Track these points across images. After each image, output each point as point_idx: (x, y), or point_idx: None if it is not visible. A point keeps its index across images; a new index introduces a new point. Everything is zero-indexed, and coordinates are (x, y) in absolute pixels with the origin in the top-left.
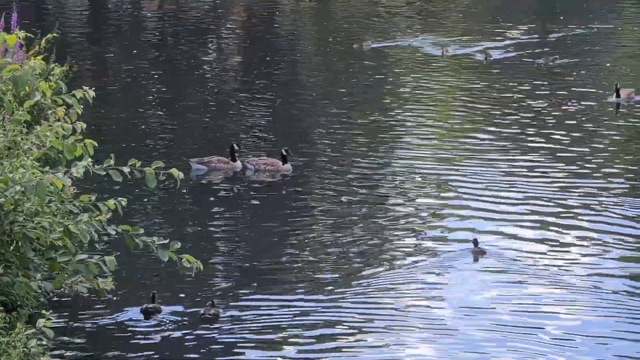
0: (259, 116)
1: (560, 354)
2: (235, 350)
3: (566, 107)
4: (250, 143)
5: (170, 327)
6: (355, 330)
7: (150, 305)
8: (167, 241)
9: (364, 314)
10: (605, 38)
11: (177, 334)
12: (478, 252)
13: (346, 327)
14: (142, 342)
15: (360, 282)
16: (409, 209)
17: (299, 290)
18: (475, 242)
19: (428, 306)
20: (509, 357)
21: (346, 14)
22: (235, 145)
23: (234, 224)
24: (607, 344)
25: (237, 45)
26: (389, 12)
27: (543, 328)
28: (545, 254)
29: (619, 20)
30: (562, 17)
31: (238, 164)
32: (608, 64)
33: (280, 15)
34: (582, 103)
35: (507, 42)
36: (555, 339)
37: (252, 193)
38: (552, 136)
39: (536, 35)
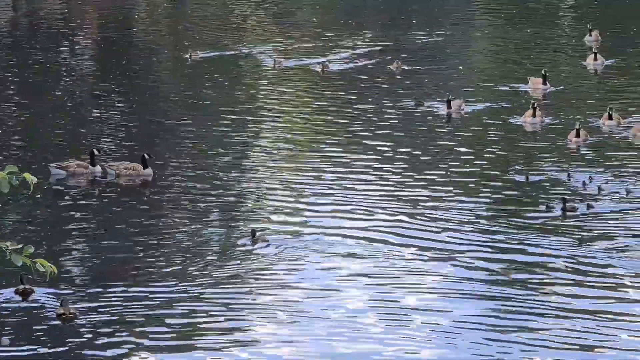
0: (117, 121)
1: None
2: (90, 344)
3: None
4: (110, 148)
5: (26, 324)
6: (213, 318)
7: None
8: (20, 246)
9: (220, 303)
10: (455, 45)
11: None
12: (257, 240)
13: (205, 316)
14: None
15: (212, 274)
16: (253, 209)
17: (155, 285)
18: (253, 232)
19: (275, 292)
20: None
21: (199, 19)
22: (95, 150)
23: (93, 228)
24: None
25: (92, 49)
26: (243, 19)
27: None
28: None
29: (470, 28)
30: (414, 23)
31: (98, 168)
32: (452, 71)
33: (136, 20)
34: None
35: (358, 50)
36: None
37: (112, 197)
38: (387, 143)
39: (386, 42)
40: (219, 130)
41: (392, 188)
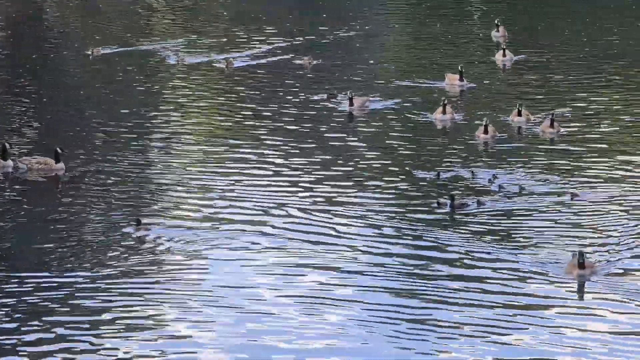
0: (28, 115)
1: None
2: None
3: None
4: (21, 142)
5: None
6: (121, 308)
7: None
8: None
9: (127, 292)
10: (367, 40)
11: None
12: (142, 229)
13: (112, 306)
14: None
15: (123, 264)
16: (158, 201)
17: (64, 275)
18: (138, 221)
19: (188, 282)
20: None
21: (108, 15)
22: (6, 144)
23: (4, 220)
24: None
25: (1, 45)
26: (153, 14)
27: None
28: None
29: (380, 23)
30: (325, 17)
31: (9, 163)
32: (364, 67)
33: (46, 15)
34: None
35: (267, 45)
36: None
37: (24, 192)
38: (289, 140)
39: (297, 37)
40: (126, 127)
41: (293, 184)
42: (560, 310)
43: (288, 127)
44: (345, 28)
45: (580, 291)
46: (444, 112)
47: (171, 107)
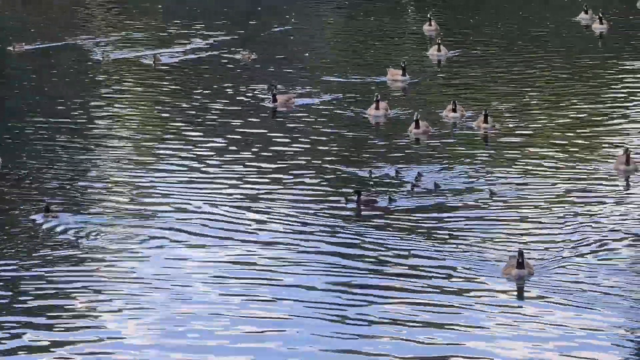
0: None
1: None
2: None
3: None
4: None
5: None
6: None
7: None
8: None
9: (52, 281)
10: (303, 35)
11: None
12: (49, 216)
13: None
14: None
15: (30, 253)
16: (85, 192)
17: None
18: (47, 208)
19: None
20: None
21: (41, 6)
22: None
23: None
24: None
25: None
26: (84, 8)
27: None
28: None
29: (315, 18)
30: (260, 12)
31: None
32: (301, 62)
33: None
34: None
35: (201, 40)
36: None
37: None
38: (214, 137)
39: (233, 32)
40: (48, 123)
41: (217, 180)
42: (494, 310)
43: (213, 123)
44: (280, 22)
45: (518, 290)
46: (377, 108)
47: (92, 104)
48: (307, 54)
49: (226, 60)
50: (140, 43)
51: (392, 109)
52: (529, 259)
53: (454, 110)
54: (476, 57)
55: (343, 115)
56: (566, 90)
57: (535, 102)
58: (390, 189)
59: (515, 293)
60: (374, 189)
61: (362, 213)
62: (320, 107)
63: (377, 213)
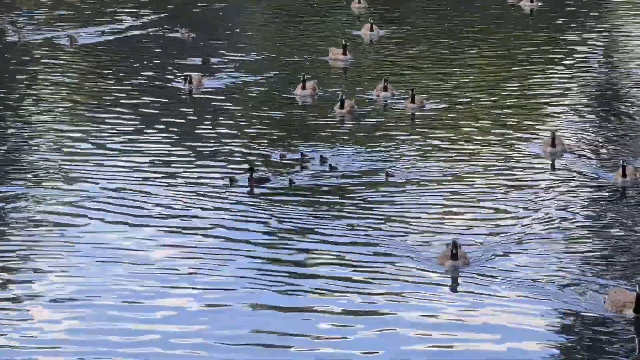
0: None
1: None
2: None
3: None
4: None
5: None
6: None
7: None
8: None
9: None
10: (238, 13)
11: None
12: None
13: None
14: None
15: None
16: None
17: None
18: None
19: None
20: None
21: None
22: None
23: None
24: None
25: None
26: None
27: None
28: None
29: None
30: None
31: None
32: (231, 40)
33: None
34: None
35: (130, 21)
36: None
37: None
38: (129, 120)
39: (164, 11)
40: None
41: (130, 163)
42: (425, 299)
43: (128, 107)
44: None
45: (452, 280)
46: (303, 88)
47: (7, 87)
48: (237, 30)
49: (161, 39)
50: (57, 23)
51: (320, 88)
52: (444, 243)
53: (385, 89)
54: (408, 36)
55: (271, 95)
56: (497, 70)
57: (465, 81)
58: (294, 170)
59: (449, 283)
60: (269, 168)
61: (250, 192)
62: (250, 87)
63: (279, 193)
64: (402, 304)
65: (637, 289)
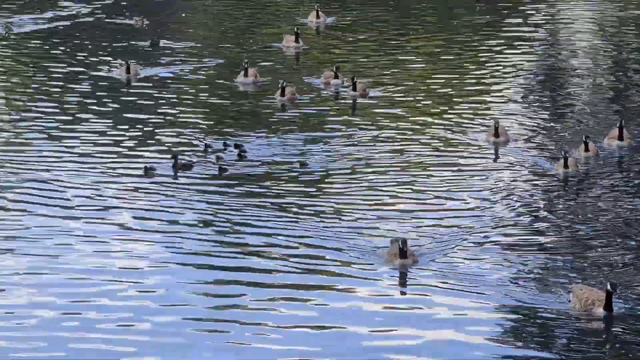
0: None
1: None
2: None
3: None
4: None
5: None
6: None
7: None
8: None
9: None
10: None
11: None
12: None
13: None
14: None
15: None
16: None
17: None
18: None
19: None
20: None
21: None
22: None
23: None
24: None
25: None
26: None
27: None
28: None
29: None
30: None
31: None
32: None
33: None
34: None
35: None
36: None
37: None
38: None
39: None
40: None
41: (63, 153)
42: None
43: (61, 95)
44: None
45: (400, 278)
46: (245, 75)
47: None
48: (184, 15)
49: (110, 26)
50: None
51: (263, 76)
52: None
53: (336, 77)
54: (354, 24)
55: (212, 83)
56: (441, 59)
57: (410, 70)
58: (217, 158)
59: (397, 280)
60: (196, 156)
61: (174, 177)
62: (192, 75)
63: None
64: (335, 295)
65: (608, 287)
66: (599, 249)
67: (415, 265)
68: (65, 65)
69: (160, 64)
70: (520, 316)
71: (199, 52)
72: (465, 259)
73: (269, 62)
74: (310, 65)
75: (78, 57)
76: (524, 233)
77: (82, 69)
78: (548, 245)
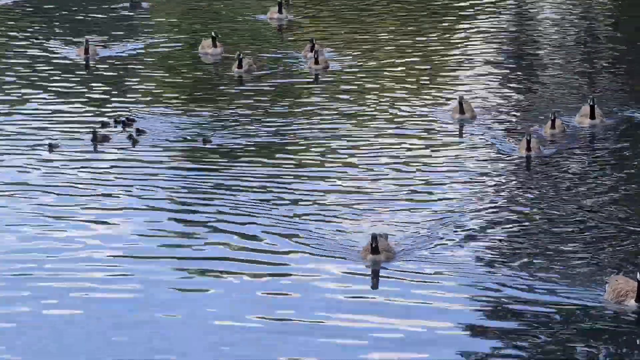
0: None
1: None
2: None
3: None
4: None
5: None
6: None
7: None
8: None
9: None
10: None
11: None
12: None
13: None
14: None
15: None
16: None
17: None
18: None
19: None
20: None
21: None
22: None
23: None
24: None
25: None
26: None
27: None
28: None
29: None
30: None
31: None
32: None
33: None
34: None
35: None
36: None
37: None
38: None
39: None
40: None
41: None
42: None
43: (18, 76)
44: None
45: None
46: (214, 46)
47: None
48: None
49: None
50: None
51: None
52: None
53: (312, 50)
54: (319, 17)
55: (176, 56)
56: (404, 34)
57: (373, 44)
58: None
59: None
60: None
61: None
62: (159, 48)
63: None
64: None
65: (638, 276)
66: (562, 235)
67: (389, 261)
68: (28, 44)
69: (117, 44)
70: (495, 304)
71: (165, 28)
72: (425, 242)
73: (247, 33)
74: (292, 38)
75: (42, 36)
76: (489, 219)
77: (43, 48)
78: (508, 229)
